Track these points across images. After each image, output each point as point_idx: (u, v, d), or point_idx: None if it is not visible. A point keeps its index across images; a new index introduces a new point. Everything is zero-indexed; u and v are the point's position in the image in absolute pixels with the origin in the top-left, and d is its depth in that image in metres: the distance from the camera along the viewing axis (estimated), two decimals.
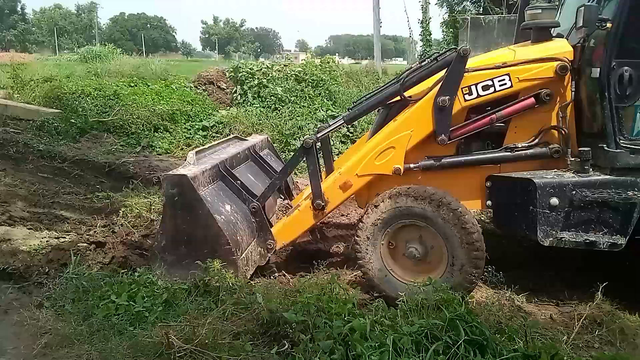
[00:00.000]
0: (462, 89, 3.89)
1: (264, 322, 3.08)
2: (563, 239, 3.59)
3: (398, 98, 4.11)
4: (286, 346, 2.85)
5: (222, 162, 4.37)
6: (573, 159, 3.77)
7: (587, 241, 3.57)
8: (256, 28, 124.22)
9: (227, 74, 13.03)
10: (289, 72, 12.50)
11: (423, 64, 4.20)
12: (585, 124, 3.89)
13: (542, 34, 4.05)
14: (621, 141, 3.58)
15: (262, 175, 5.01)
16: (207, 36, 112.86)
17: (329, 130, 4.37)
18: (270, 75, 12.10)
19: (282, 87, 11.65)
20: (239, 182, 4.34)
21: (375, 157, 4.05)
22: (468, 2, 22.73)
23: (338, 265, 4.54)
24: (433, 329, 2.72)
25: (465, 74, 3.90)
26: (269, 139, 6.32)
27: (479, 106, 3.99)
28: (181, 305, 3.36)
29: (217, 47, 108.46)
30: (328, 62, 13.76)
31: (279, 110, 10.80)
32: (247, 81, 11.90)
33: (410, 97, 4.05)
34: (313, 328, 2.87)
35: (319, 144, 4.42)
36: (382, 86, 4.58)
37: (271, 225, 4.28)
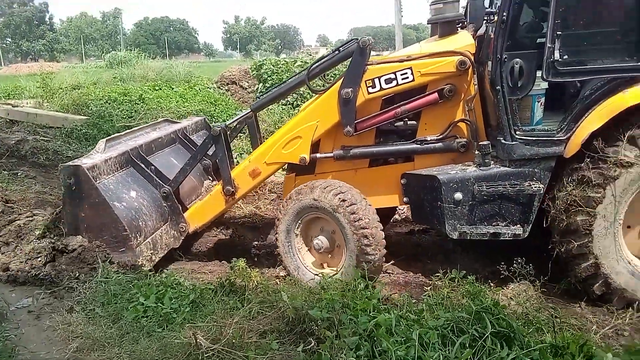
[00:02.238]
0: (365, 81, 3.91)
1: (289, 320, 3.09)
2: (467, 232, 3.65)
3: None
4: (312, 343, 2.85)
5: (134, 148, 4.43)
6: (478, 152, 3.74)
7: (491, 233, 3.63)
8: (277, 25, 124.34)
9: (250, 72, 13.08)
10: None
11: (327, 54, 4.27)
12: (490, 117, 3.87)
13: (447, 28, 4.00)
14: (517, 133, 3.56)
15: None
16: (228, 36, 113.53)
17: (236, 119, 4.65)
18: (291, 71, 12.08)
19: None
20: (152, 167, 4.43)
21: (283, 146, 4.17)
22: None
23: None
24: (459, 322, 2.69)
25: (370, 67, 3.92)
26: (206, 120, 6.33)
27: (395, 99, 3.99)
28: (208, 305, 3.40)
29: (238, 47, 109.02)
30: None
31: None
32: (269, 79, 11.91)
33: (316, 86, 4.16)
34: (338, 325, 2.87)
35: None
36: (292, 76, 4.64)
37: (185, 209, 4.42)
